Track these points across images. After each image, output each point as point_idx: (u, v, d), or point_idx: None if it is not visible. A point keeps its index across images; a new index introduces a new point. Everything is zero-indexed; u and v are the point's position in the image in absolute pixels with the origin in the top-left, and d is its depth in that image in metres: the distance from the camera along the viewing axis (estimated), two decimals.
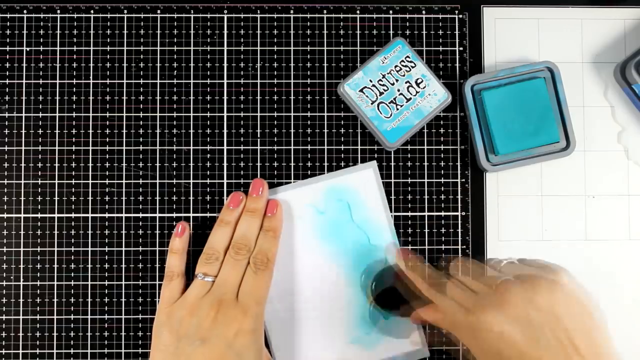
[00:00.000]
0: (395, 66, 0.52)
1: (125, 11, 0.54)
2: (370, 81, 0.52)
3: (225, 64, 0.54)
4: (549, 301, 0.41)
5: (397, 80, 0.52)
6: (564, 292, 0.42)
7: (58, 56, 0.54)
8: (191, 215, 0.53)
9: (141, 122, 0.54)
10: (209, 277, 0.49)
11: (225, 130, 0.54)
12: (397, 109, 0.52)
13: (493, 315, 0.42)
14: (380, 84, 0.52)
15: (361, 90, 0.52)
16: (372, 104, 0.52)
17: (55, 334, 0.53)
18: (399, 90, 0.52)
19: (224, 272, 0.49)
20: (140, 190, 0.53)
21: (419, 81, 0.52)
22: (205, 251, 0.50)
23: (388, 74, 0.52)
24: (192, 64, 0.54)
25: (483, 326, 0.42)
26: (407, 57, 0.52)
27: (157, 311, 0.49)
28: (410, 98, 0.52)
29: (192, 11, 0.55)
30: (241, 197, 0.51)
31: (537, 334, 0.40)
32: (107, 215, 0.53)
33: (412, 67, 0.52)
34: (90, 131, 0.54)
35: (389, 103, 0.52)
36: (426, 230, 0.53)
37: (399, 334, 0.52)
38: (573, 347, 0.40)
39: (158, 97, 0.54)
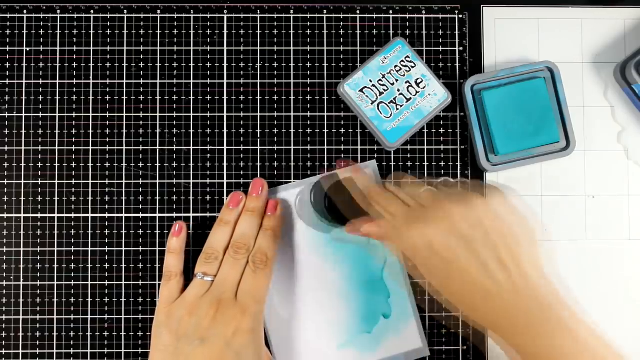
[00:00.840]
0: (395, 66, 0.52)
1: (125, 11, 0.54)
2: (370, 81, 0.52)
3: (225, 64, 0.54)
4: (481, 215, 0.41)
5: (397, 80, 0.52)
6: (502, 208, 0.42)
7: (58, 56, 0.54)
8: (191, 215, 0.53)
9: (141, 122, 0.54)
10: (209, 277, 0.49)
11: (225, 130, 0.54)
12: (397, 109, 0.52)
13: (429, 228, 0.42)
14: (380, 84, 0.52)
15: (361, 90, 0.52)
16: (372, 104, 0.52)
17: (55, 334, 0.53)
18: (399, 90, 0.52)
19: (223, 271, 0.49)
20: (140, 190, 0.53)
21: (419, 81, 0.52)
22: (204, 251, 0.50)
23: (388, 74, 0.52)
24: (192, 64, 0.54)
25: (418, 237, 0.42)
26: (407, 57, 0.52)
27: (156, 311, 0.49)
28: (410, 98, 0.52)
29: (192, 11, 0.55)
30: (241, 197, 0.51)
31: (466, 246, 0.40)
32: (107, 215, 0.53)
33: (412, 67, 0.52)
34: (90, 131, 0.54)
35: (389, 103, 0.52)
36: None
37: (399, 333, 0.52)
38: (501, 263, 0.40)
39: (158, 97, 0.54)
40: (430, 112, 0.52)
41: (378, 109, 0.52)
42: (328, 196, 0.52)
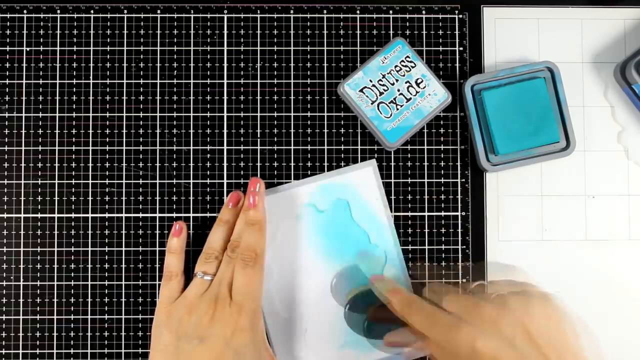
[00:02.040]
0: (395, 66, 0.52)
1: (125, 11, 0.54)
2: (370, 81, 0.52)
3: (225, 64, 0.54)
4: (519, 317, 0.41)
5: (397, 80, 0.52)
6: (546, 315, 0.42)
7: (58, 56, 0.54)
8: (191, 215, 0.53)
9: (141, 122, 0.54)
10: (208, 276, 0.49)
11: (225, 130, 0.54)
12: (397, 109, 0.52)
13: (468, 331, 0.41)
14: (380, 84, 0.52)
15: (361, 90, 0.52)
16: (372, 104, 0.52)
17: (55, 334, 0.53)
18: (399, 90, 0.52)
19: (221, 270, 0.49)
20: (140, 190, 0.53)
21: (419, 81, 0.52)
22: (204, 250, 0.50)
23: (388, 74, 0.52)
24: (192, 64, 0.54)
25: (461, 342, 0.41)
26: (407, 57, 0.52)
27: (156, 311, 0.49)
28: (410, 98, 0.52)
29: (192, 11, 0.55)
30: (240, 196, 0.51)
31: (512, 349, 0.40)
32: (107, 215, 0.53)
33: (412, 67, 0.52)
34: (90, 131, 0.54)
35: (389, 103, 0.52)
36: (426, 230, 0.53)
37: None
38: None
39: (158, 97, 0.54)
40: (430, 112, 0.52)
41: (378, 109, 0.52)
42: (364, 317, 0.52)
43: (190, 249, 0.53)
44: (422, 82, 0.52)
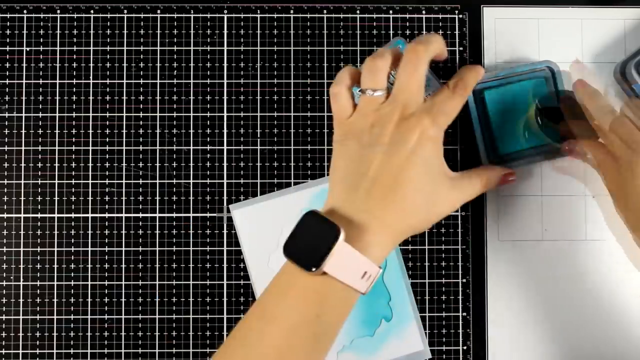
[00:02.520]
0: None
1: (125, 11, 0.54)
2: None
3: (225, 64, 0.54)
4: None
5: None
6: None
7: (58, 56, 0.54)
8: (191, 215, 0.53)
9: (141, 122, 0.54)
10: (379, 92, 0.44)
11: (225, 130, 0.54)
12: None
13: None
14: None
15: (361, 91, 0.52)
16: None
17: (55, 334, 0.53)
18: None
19: (402, 78, 0.44)
20: (140, 190, 0.53)
21: None
22: (365, 67, 0.45)
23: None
24: (192, 64, 0.54)
25: None
26: None
27: (334, 127, 0.45)
28: None
29: (192, 11, 0.55)
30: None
31: None
32: (107, 215, 0.53)
33: None
34: (90, 131, 0.54)
35: None
36: (426, 230, 0.53)
37: (400, 336, 0.52)
38: None
39: (158, 97, 0.54)
40: None
41: None
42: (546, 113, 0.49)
43: (191, 249, 0.53)
44: None
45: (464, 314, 0.53)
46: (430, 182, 0.43)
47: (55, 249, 0.53)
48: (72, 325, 0.53)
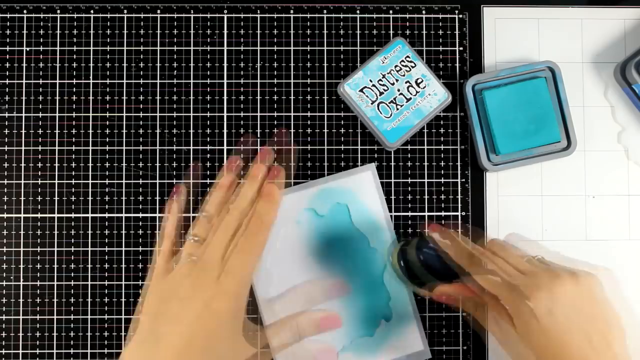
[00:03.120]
0: (395, 66, 0.52)
1: (125, 11, 0.54)
2: (370, 81, 0.52)
3: (225, 64, 0.54)
4: (590, 296, 0.43)
5: (397, 80, 0.52)
6: (602, 292, 0.43)
7: (58, 56, 0.54)
8: (191, 215, 0.53)
9: (141, 122, 0.54)
10: (200, 239, 0.49)
11: (225, 130, 0.54)
12: (397, 109, 0.52)
13: (546, 295, 0.42)
14: (380, 84, 0.52)
15: (361, 90, 0.52)
16: (372, 104, 0.52)
17: (55, 334, 0.53)
18: (399, 90, 0.52)
19: (215, 233, 0.48)
20: (140, 190, 0.53)
21: (419, 81, 0.52)
22: (200, 213, 0.50)
23: (388, 74, 0.52)
24: (192, 64, 0.54)
25: (535, 302, 0.42)
26: (407, 57, 0.52)
27: (148, 274, 0.49)
28: (410, 98, 0.52)
29: (192, 11, 0.55)
30: (239, 163, 0.51)
31: (588, 326, 0.42)
32: (107, 215, 0.53)
33: (412, 67, 0.52)
34: (90, 131, 0.54)
35: (389, 103, 0.52)
36: (426, 231, 0.53)
37: (400, 336, 0.52)
38: (599, 341, 0.41)
39: (158, 97, 0.54)
40: (430, 112, 0.52)
41: (378, 109, 0.52)
42: (411, 260, 0.50)
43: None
44: (422, 82, 0.52)
45: (464, 314, 0.53)
46: (224, 338, 0.45)
47: (55, 249, 0.53)
48: (72, 325, 0.53)
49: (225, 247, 0.47)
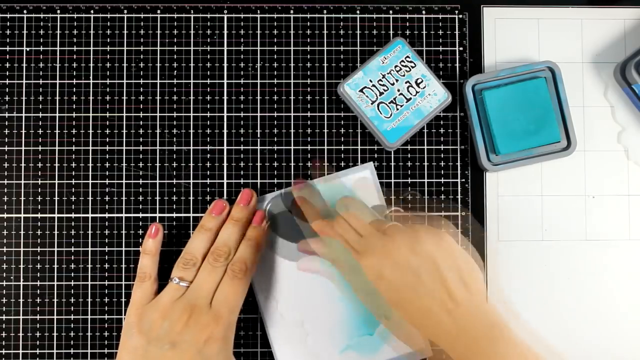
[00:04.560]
0: (395, 66, 0.52)
1: (125, 11, 0.54)
2: (370, 81, 0.52)
3: (225, 64, 0.54)
4: (429, 248, 0.44)
5: (397, 80, 0.52)
6: (443, 241, 0.45)
7: (58, 56, 0.54)
8: (191, 215, 0.53)
9: (141, 122, 0.54)
10: (184, 282, 0.49)
11: (225, 130, 0.54)
12: (397, 109, 0.52)
13: (376, 260, 0.44)
14: (380, 84, 0.52)
15: (361, 90, 0.52)
16: (372, 104, 0.52)
17: (55, 334, 0.53)
18: (399, 90, 0.52)
19: (200, 277, 0.49)
20: (140, 190, 0.53)
21: (419, 81, 0.52)
22: (182, 256, 0.50)
23: (388, 74, 0.52)
24: (192, 64, 0.54)
25: (366, 269, 0.44)
26: (407, 57, 0.52)
27: (127, 312, 0.49)
28: (410, 98, 0.52)
29: (192, 11, 0.55)
30: (224, 205, 0.51)
31: (416, 280, 0.43)
32: (107, 215, 0.53)
33: (412, 67, 0.52)
34: (90, 131, 0.54)
35: (389, 103, 0.52)
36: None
37: (401, 334, 0.52)
38: (448, 292, 0.43)
39: (158, 97, 0.54)
40: (430, 112, 0.52)
41: (378, 109, 0.52)
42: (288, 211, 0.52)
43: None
44: (422, 82, 0.52)
45: None
46: None
47: (55, 249, 0.53)
48: (72, 325, 0.53)
49: (212, 291, 0.48)
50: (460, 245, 0.46)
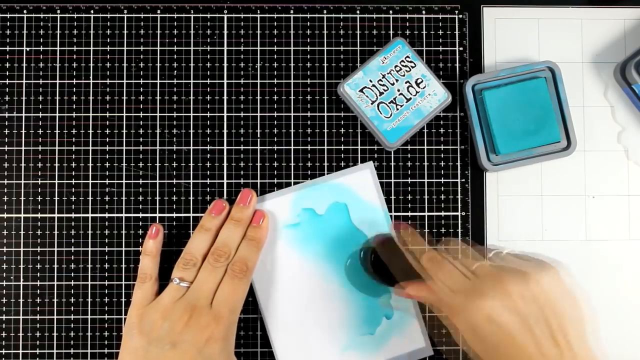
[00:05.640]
0: (395, 66, 0.52)
1: (125, 11, 0.54)
2: (370, 81, 0.52)
3: (225, 64, 0.54)
4: (542, 293, 0.42)
5: (397, 80, 0.52)
6: (556, 286, 0.43)
7: (58, 56, 0.54)
8: (191, 215, 0.53)
9: (141, 122, 0.54)
10: (185, 283, 0.49)
11: (225, 130, 0.54)
12: (397, 109, 0.52)
13: (488, 302, 0.42)
14: (380, 84, 0.52)
15: (361, 90, 0.52)
16: (372, 104, 0.52)
17: (55, 334, 0.53)
18: (399, 90, 0.52)
19: (201, 278, 0.49)
20: (140, 190, 0.53)
21: (419, 81, 0.52)
22: (183, 256, 0.50)
23: (388, 74, 0.52)
24: (192, 64, 0.54)
25: (477, 311, 0.42)
26: (407, 57, 0.52)
27: (128, 312, 0.49)
28: (410, 98, 0.52)
29: (192, 11, 0.55)
30: (224, 205, 0.51)
31: (529, 325, 0.41)
32: (107, 215, 0.53)
33: (412, 67, 0.52)
34: (90, 131, 0.54)
35: (389, 103, 0.52)
36: (426, 231, 0.53)
37: (402, 333, 0.52)
38: (553, 339, 0.41)
39: (158, 97, 0.54)
40: (430, 112, 0.52)
41: (378, 109, 0.52)
42: (377, 256, 0.51)
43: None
44: (422, 82, 0.52)
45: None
46: None
47: (55, 249, 0.53)
48: (72, 325, 0.53)
49: (213, 292, 0.48)
50: (568, 290, 0.44)
